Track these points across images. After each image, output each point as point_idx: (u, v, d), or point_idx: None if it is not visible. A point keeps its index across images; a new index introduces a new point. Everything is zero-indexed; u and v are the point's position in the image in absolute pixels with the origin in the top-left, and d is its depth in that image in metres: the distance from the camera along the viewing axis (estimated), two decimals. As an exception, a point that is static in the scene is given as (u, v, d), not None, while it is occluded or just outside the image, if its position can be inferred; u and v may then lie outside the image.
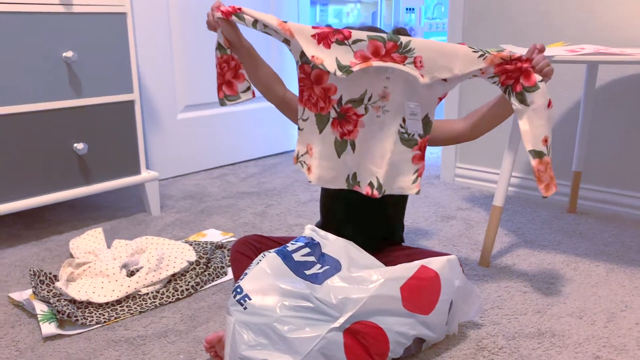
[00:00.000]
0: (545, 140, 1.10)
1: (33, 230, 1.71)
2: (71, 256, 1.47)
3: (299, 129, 1.14)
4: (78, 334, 1.13)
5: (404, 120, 1.11)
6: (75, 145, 1.60)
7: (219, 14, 1.09)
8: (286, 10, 2.61)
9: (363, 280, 0.95)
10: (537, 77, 1.07)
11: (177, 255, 1.38)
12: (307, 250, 1.01)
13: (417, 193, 1.15)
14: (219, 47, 1.12)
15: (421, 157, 1.14)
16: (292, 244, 1.02)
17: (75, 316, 1.14)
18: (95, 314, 1.18)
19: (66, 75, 1.56)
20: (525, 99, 1.08)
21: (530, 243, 1.57)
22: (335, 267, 0.98)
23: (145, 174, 1.78)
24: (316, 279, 0.95)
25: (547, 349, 1.06)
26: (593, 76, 1.67)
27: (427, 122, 1.11)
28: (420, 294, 0.98)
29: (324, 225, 1.27)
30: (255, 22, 1.07)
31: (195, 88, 2.34)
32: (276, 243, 1.20)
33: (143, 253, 1.41)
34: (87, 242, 1.50)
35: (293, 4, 2.64)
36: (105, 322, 1.17)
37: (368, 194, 1.14)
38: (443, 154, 2.21)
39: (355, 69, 1.04)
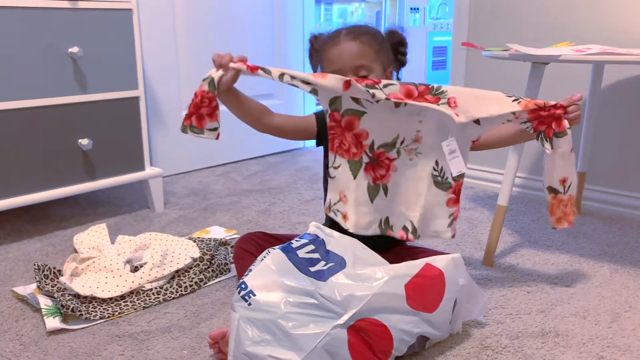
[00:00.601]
0: (564, 181, 1.12)
1: (37, 225, 1.71)
2: (75, 251, 1.47)
3: (330, 177, 1.14)
4: (82, 328, 1.13)
5: (437, 163, 1.12)
6: (80, 140, 1.60)
7: (242, 66, 1.07)
8: (291, 10, 2.61)
9: (367, 277, 0.95)
10: (566, 124, 1.08)
11: (181, 251, 1.38)
12: (311, 247, 1.01)
13: (453, 237, 1.16)
14: (210, 82, 1.07)
15: (456, 201, 1.14)
16: (296, 240, 1.02)
17: (80, 311, 1.14)
18: (99, 309, 1.19)
19: (71, 71, 1.56)
20: (553, 143, 1.09)
21: (534, 243, 1.57)
22: (339, 264, 0.98)
23: (149, 171, 1.78)
24: (321, 276, 0.95)
25: (550, 349, 1.05)
26: (599, 76, 1.66)
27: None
28: (424, 292, 0.98)
29: (330, 224, 1.27)
30: (282, 75, 1.06)
31: (200, 85, 2.34)
32: (279, 240, 1.20)
33: (147, 249, 1.41)
34: (91, 238, 1.50)
35: (298, 4, 2.64)
36: (109, 317, 1.17)
37: (403, 238, 1.16)
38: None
39: (391, 98, 1.04)
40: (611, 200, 1.82)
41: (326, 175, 1.18)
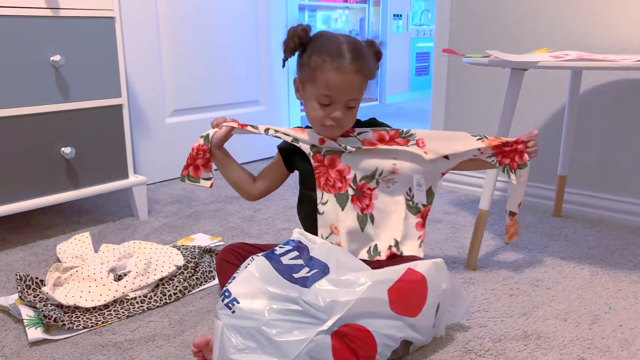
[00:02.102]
0: (519, 204, 1.29)
1: (19, 234, 1.69)
2: (58, 261, 1.46)
3: (318, 213, 1.18)
4: (65, 338, 1.12)
5: (409, 189, 1.21)
6: (63, 149, 1.59)
7: (233, 124, 1.20)
8: (274, 17, 2.62)
9: (351, 283, 0.95)
10: (527, 157, 1.21)
11: (165, 259, 1.38)
12: (295, 253, 1.02)
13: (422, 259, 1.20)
14: (205, 137, 1.21)
15: (422, 225, 1.24)
16: (280, 247, 1.03)
17: (62, 321, 1.13)
18: (83, 318, 1.18)
19: (54, 79, 1.55)
20: (516, 175, 1.22)
21: (516, 246, 1.59)
22: (323, 270, 0.98)
23: (133, 178, 1.78)
24: (304, 282, 0.95)
25: (532, 351, 1.07)
26: (577, 82, 1.69)
27: (430, 193, 1.23)
28: (407, 297, 0.98)
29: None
30: (267, 129, 1.19)
31: (184, 92, 2.34)
32: (261, 250, 1.20)
33: (131, 257, 1.41)
34: (74, 247, 1.49)
35: (282, 10, 2.66)
36: (92, 326, 1.16)
37: (388, 256, 1.20)
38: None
39: (364, 147, 1.17)
40: (591, 204, 1.85)
41: (303, 206, 1.26)
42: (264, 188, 1.29)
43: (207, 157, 1.22)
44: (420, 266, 1.02)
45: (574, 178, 1.87)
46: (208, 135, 1.21)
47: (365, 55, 1.14)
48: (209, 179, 1.24)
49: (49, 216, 1.85)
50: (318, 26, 4.73)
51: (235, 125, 1.19)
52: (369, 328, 0.94)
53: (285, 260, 0.99)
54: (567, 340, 1.11)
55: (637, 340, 1.10)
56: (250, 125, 1.20)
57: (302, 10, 4.49)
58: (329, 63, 1.10)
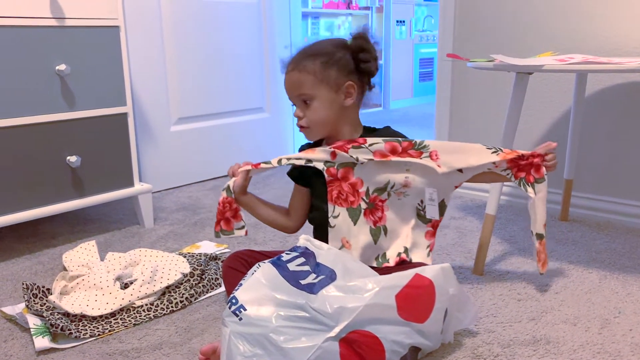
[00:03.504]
0: (545, 225, 1.24)
1: (26, 243, 1.70)
2: (64, 269, 1.46)
3: (330, 226, 1.18)
4: (72, 347, 1.12)
5: (421, 201, 1.20)
6: (69, 158, 1.60)
7: (247, 167, 1.21)
8: (278, 24, 2.63)
9: (358, 289, 0.95)
10: (544, 170, 1.19)
11: (171, 267, 1.38)
12: (301, 260, 1.01)
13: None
14: (227, 189, 1.21)
15: (432, 234, 1.23)
16: (287, 253, 1.03)
17: (69, 329, 1.13)
18: (89, 327, 1.18)
19: (59, 89, 1.56)
20: (534, 189, 1.20)
21: (524, 251, 1.58)
22: (330, 276, 0.98)
23: (138, 187, 1.78)
24: (312, 289, 0.95)
25: (542, 356, 1.06)
26: (582, 85, 1.69)
27: (442, 206, 1.21)
28: (415, 303, 0.98)
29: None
30: (280, 160, 1.19)
31: (188, 100, 2.34)
32: (267, 257, 1.19)
33: (137, 265, 1.41)
34: (81, 255, 1.49)
35: (285, 18, 2.67)
36: (99, 335, 1.16)
37: (397, 262, 1.19)
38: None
39: (376, 159, 1.14)
40: (598, 207, 1.84)
41: (314, 216, 1.26)
42: (300, 217, 1.29)
43: (235, 207, 1.22)
44: (427, 271, 1.01)
45: (581, 182, 1.86)
46: (229, 186, 1.21)
47: (311, 53, 1.16)
48: (242, 227, 1.25)
49: (55, 225, 1.86)
50: (321, 33, 4.74)
51: (249, 167, 1.20)
52: (377, 334, 0.93)
53: (292, 266, 0.99)
54: (576, 345, 1.10)
55: (648, 345, 1.09)
56: (263, 163, 1.20)
57: (306, 18, 4.50)
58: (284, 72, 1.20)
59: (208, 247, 1.64)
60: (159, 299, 1.29)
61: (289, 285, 0.95)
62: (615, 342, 1.11)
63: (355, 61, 1.17)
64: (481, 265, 1.43)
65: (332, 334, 0.90)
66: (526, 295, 1.31)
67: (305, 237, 1.08)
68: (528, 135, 1.95)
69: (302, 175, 1.25)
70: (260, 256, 1.22)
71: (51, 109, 1.55)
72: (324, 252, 1.04)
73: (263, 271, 0.97)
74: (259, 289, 0.95)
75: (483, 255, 1.43)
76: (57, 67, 1.54)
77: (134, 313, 1.24)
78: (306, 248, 1.04)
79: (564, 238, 1.67)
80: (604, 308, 1.24)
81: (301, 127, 1.20)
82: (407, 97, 5.26)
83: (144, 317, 1.23)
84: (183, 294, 1.31)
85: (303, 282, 0.96)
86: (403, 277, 0.98)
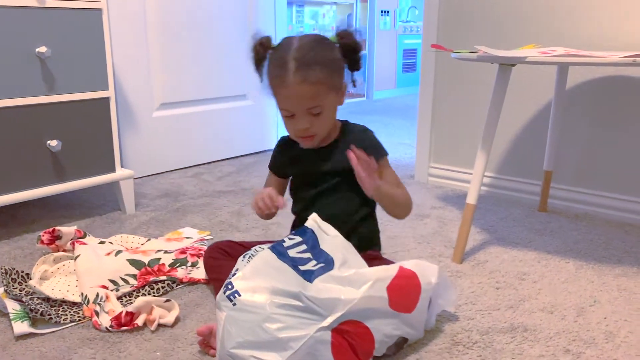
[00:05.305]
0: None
1: (5, 228, 1.67)
2: (44, 253, 1.44)
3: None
4: (52, 332, 1.11)
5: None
6: (49, 142, 1.57)
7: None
8: (262, 11, 2.61)
9: (354, 281, 0.95)
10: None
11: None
12: (303, 247, 1.00)
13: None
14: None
15: None
16: (289, 238, 1.02)
17: (49, 314, 1.12)
18: (70, 312, 1.17)
19: (39, 71, 1.53)
20: None
21: (503, 240, 1.61)
22: (328, 265, 0.97)
23: (120, 172, 1.76)
24: (309, 276, 0.94)
25: (519, 343, 1.08)
26: (564, 78, 1.71)
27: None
28: (404, 293, 0.99)
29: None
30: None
31: (172, 86, 2.32)
32: (247, 249, 1.19)
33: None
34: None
35: (270, 5, 2.65)
36: (79, 320, 1.15)
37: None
38: (417, 155, 2.24)
39: None
40: (576, 199, 1.87)
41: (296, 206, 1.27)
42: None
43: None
44: (407, 264, 1.03)
45: (560, 173, 1.89)
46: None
47: (313, 60, 1.08)
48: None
49: (35, 210, 1.83)
50: (306, 21, 4.72)
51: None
52: (369, 325, 0.94)
53: (292, 253, 0.99)
54: (553, 333, 1.12)
55: (621, 332, 1.12)
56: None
57: (290, 6, 4.47)
58: (276, 79, 1.11)
59: (190, 233, 1.63)
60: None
61: (286, 271, 0.95)
62: (590, 329, 1.13)
63: (347, 61, 1.15)
64: (461, 253, 1.45)
65: (325, 324, 0.90)
66: (505, 283, 1.33)
67: (313, 218, 1.06)
68: (509, 126, 1.97)
69: (282, 167, 1.27)
70: (241, 247, 1.22)
71: (31, 92, 1.53)
72: (330, 239, 1.03)
73: (261, 257, 0.97)
74: (256, 275, 0.95)
75: (463, 244, 1.44)
76: (37, 49, 1.51)
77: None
78: (312, 231, 1.04)
79: (543, 228, 1.70)
80: (580, 297, 1.27)
81: (303, 137, 1.16)
82: (390, 87, 5.28)
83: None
84: (165, 280, 1.30)
85: (302, 268, 0.96)
86: (391, 269, 1.00)
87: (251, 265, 0.96)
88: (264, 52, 1.15)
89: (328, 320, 0.90)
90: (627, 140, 1.75)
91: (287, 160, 1.27)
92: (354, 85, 1.21)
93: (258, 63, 1.16)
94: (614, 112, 1.77)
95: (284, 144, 1.28)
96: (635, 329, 1.13)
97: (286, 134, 1.23)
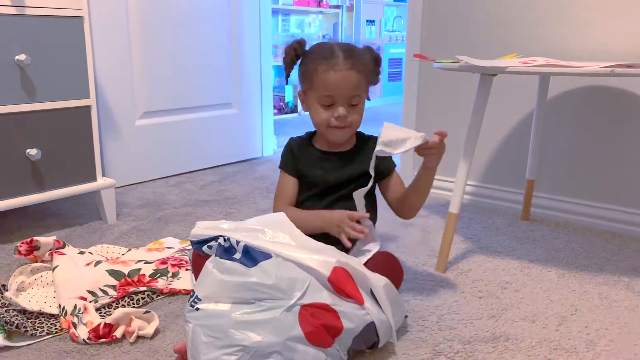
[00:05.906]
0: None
1: (-19, 238, 1.64)
2: (21, 264, 1.42)
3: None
4: (27, 345, 1.09)
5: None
6: (28, 150, 1.55)
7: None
8: (247, 20, 2.61)
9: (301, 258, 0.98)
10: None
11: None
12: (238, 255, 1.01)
13: None
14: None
15: None
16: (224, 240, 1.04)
17: (25, 327, 1.10)
18: (47, 324, 1.15)
19: (19, 79, 1.51)
20: None
21: (486, 249, 1.61)
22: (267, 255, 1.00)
23: (101, 181, 1.74)
24: (256, 262, 0.96)
25: (501, 353, 1.08)
26: (545, 87, 1.73)
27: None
28: (344, 285, 1.00)
29: None
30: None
31: (154, 94, 2.31)
32: None
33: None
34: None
35: (254, 14, 2.65)
36: (56, 332, 1.13)
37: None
38: (401, 164, 2.24)
39: None
40: (558, 207, 1.88)
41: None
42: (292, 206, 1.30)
43: None
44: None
45: (542, 182, 1.90)
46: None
47: (358, 54, 1.19)
48: None
49: (13, 219, 1.80)
50: (291, 30, 4.73)
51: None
52: (333, 307, 0.95)
53: (237, 255, 1.00)
54: (534, 342, 1.12)
55: (602, 341, 1.13)
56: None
57: (276, 15, 4.48)
58: (323, 65, 1.18)
59: (172, 243, 1.61)
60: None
61: (238, 269, 0.95)
62: (571, 338, 1.14)
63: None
64: (444, 262, 1.45)
65: (291, 303, 0.92)
66: (487, 292, 1.33)
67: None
68: (492, 135, 1.98)
69: (297, 166, 1.29)
70: None
71: (10, 100, 1.51)
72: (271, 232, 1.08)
73: (213, 262, 0.98)
74: (212, 282, 0.95)
75: (446, 253, 1.44)
76: (16, 57, 1.49)
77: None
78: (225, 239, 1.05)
79: (525, 237, 1.71)
80: (562, 306, 1.27)
81: (338, 127, 1.21)
82: (376, 96, 5.30)
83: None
84: (144, 291, 1.29)
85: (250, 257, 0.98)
86: (328, 264, 1.01)
87: (206, 271, 0.97)
88: (301, 50, 1.24)
89: (292, 301, 0.92)
90: (608, 150, 1.77)
91: (305, 160, 1.28)
92: (368, 99, 1.28)
93: (291, 62, 1.24)
94: (595, 121, 1.79)
95: (299, 145, 1.31)
96: (616, 338, 1.14)
97: (293, 136, 1.30)
